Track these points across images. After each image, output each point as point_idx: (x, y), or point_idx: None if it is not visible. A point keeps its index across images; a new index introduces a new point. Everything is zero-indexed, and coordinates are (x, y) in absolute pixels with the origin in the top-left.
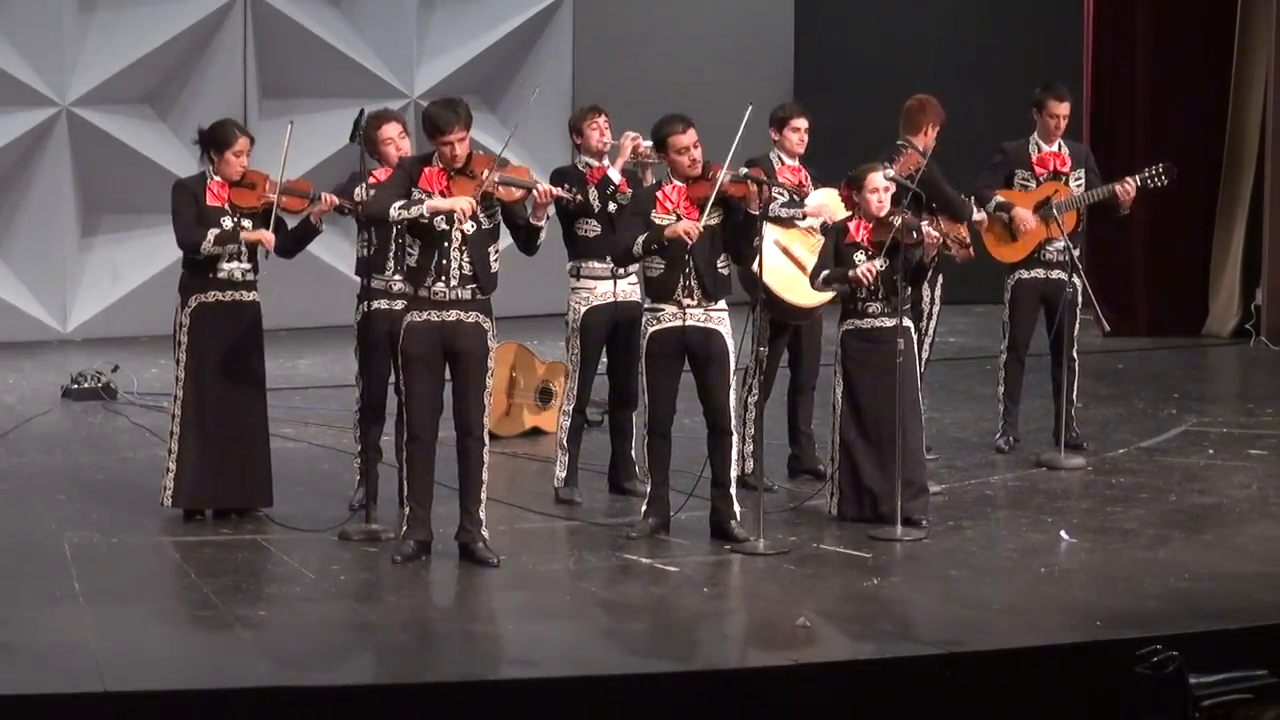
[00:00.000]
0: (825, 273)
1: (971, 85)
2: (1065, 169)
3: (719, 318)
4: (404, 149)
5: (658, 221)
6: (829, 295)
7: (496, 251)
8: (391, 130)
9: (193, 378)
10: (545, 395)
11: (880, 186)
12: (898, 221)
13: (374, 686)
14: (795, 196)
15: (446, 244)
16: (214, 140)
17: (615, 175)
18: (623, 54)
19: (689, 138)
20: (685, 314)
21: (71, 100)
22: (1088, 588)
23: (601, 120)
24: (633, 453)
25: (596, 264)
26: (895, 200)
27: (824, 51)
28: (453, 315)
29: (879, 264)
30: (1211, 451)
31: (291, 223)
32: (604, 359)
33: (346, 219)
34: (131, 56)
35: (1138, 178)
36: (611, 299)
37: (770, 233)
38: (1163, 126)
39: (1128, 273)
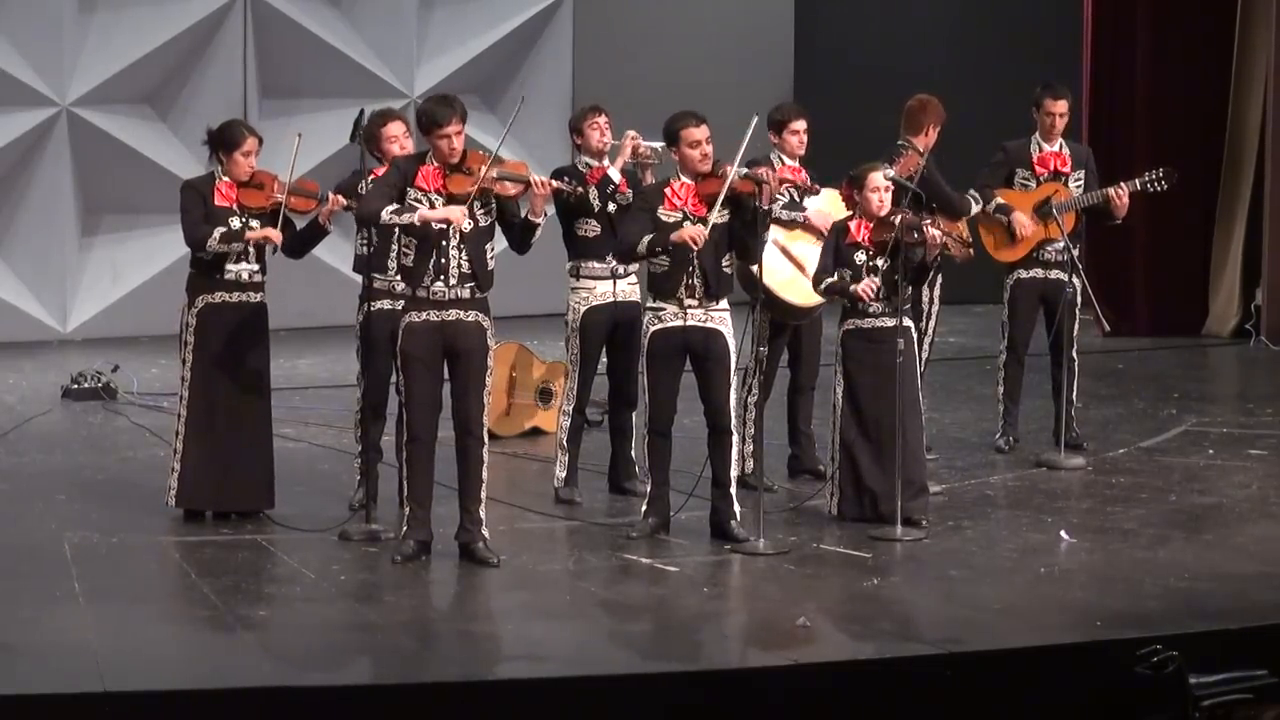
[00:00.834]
0: (829, 281)
1: (971, 85)
2: (1066, 169)
3: (720, 317)
4: (408, 148)
5: (664, 218)
6: (836, 300)
7: (493, 249)
8: (395, 129)
9: (199, 378)
10: (545, 395)
11: (881, 186)
12: (898, 221)
13: (374, 686)
14: (797, 198)
15: (444, 243)
16: (222, 141)
17: (615, 175)
18: (623, 54)
19: (702, 132)
20: (686, 313)
21: (71, 100)
22: (1088, 588)
23: (602, 120)
24: (633, 453)
25: (596, 264)
26: (895, 200)
27: (824, 51)
28: (452, 314)
29: (877, 280)
30: (1211, 451)
31: (300, 223)
32: (604, 359)
33: (348, 218)
34: (131, 56)
35: (1137, 182)
36: (611, 299)
37: (770, 233)
38: (1163, 126)
39: (1128, 273)
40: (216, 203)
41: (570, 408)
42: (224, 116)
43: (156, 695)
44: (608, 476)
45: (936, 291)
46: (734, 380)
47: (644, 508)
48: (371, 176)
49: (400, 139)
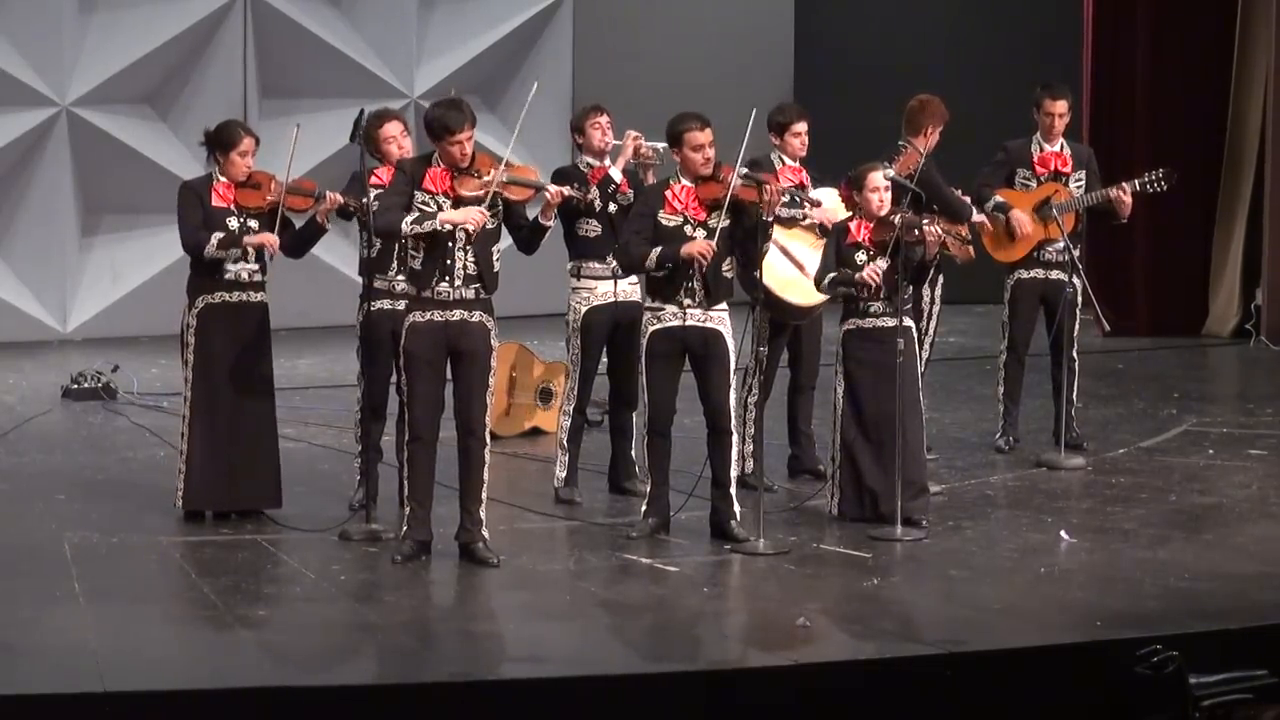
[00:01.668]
0: (831, 275)
1: (971, 85)
2: (1066, 169)
3: (719, 318)
4: (406, 148)
5: (664, 222)
6: (827, 295)
7: (499, 251)
8: (393, 129)
9: (201, 379)
10: (545, 395)
11: (881, 186)
12: (898, 220)
13: (374, 686)
14: (796, 197)
15: (451, 244)
16: (220, 141)
17: (616, 175)
18: (623, 54)
19: (705, 135)
20: (686, 314)
21: (71, 100)
22: (1088, 588)
23: (603, 120)
24: (633, 453)
25: (597, 264)
26: (895, 200)
27: (824, 51)
28: (457, 315)
29: (884, 264)
30: (1211, 451)
31: (298, 222)
32: (604, 359)
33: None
34: (131, 56)
35: (1136, 182)
36: (612, 299)
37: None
38: (1163, 126)
39: (1128, 273)
40: (214, 203)
41: (570, 408)
42: (224, 116)
43: (156, 695)
44: (608, 476)
45: (937, 291)
46: (733, 380)
47: (644, 508)
48: (372, 178)
49: (398, 139)
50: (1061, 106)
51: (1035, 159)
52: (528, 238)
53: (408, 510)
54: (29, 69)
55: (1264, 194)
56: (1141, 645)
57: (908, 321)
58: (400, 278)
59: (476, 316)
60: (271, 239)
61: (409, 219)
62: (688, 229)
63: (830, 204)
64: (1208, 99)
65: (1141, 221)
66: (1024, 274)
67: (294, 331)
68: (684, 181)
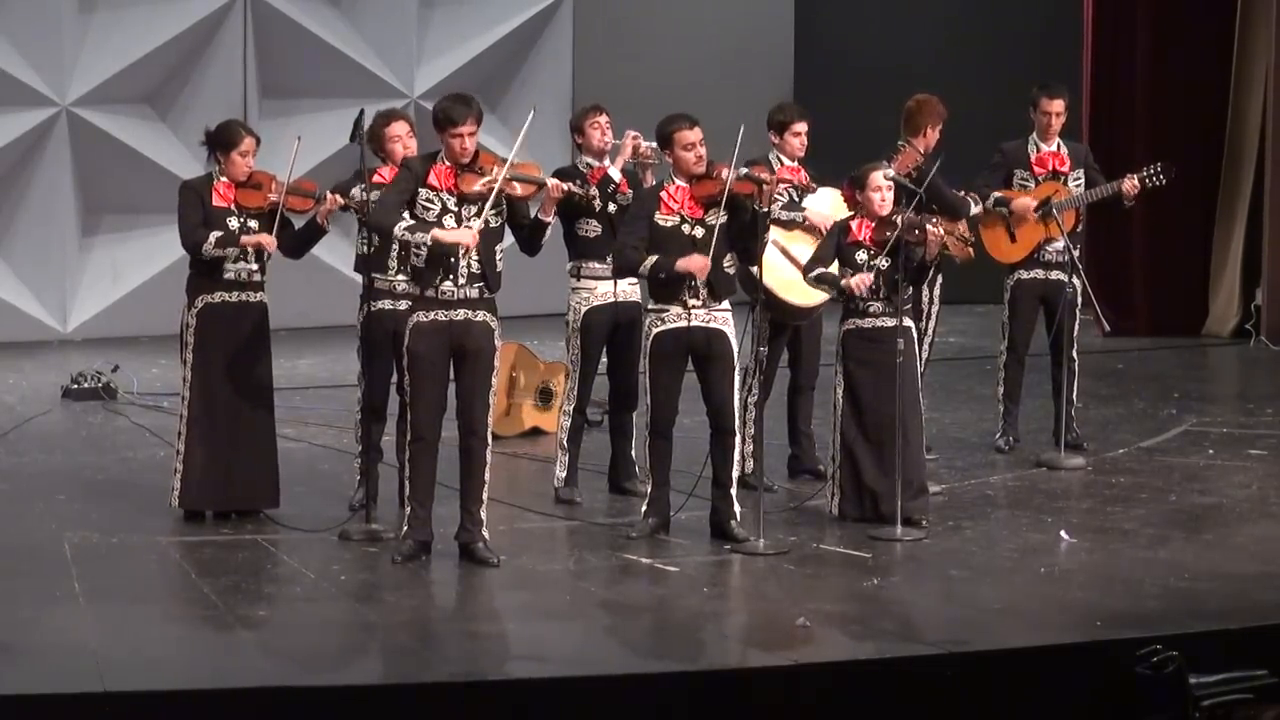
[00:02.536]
0: (819, 271)
1: (971, 85)
2: (1064, 169)
3: (723, 318)
4: (410, 147)
5: (661, 223)
6: (828, 295)
7: (502, 251)
8: (399, 129)
9: (200, 378)
10: (545, 395)
11: (882, 186)
12: (900, 220)
13: (374, 686)
14: (796, 198)
15: (466, 228)
16: (220, 141)
17: (616, 175)
18: (623, 54)
19: (695, 134)
20: (690, 314)
21: (71, 100)
22: (1088, 588)
23: (603, 119)
24: (633, 453)
25: (597, 264)
26: (895, 200)
27: (824, 51)
28: (461, 314)
29: (868, 278)
30: (1211, 451)
31: (298, 223)
32: (604, 359)
33: (348, 218)
34: (131, 56)
35: (1135, 177)
36: (612, 299)
37: (770, 233)
38: (1163, 126)
39: (1128, 273)
40: (215, 203)
41: (570, 408)
42: (224, 116)
43: (156, 695)
44: (608, 476)
45: (936, 291)
46: (736, 380)
47: (644, 508)
48: (375, 177)
49: (404, 139)
50: (1058, 106)
51: (1033, 159)
52: (529, 236)
53: (408, 510)
54: (29, 69)
55: (1264, 193)
56: (1141, 645)
57: (908, 321)
58: (400, 277)
59: (480, 316)
60: (269, 239)
61: (404, 224)
62: (685, 228)
63: (829, 204)
64: (1208, 99)
65: (1141, 221)
66: (1024, 274)
67: (294, 331)
68: (678, 182)
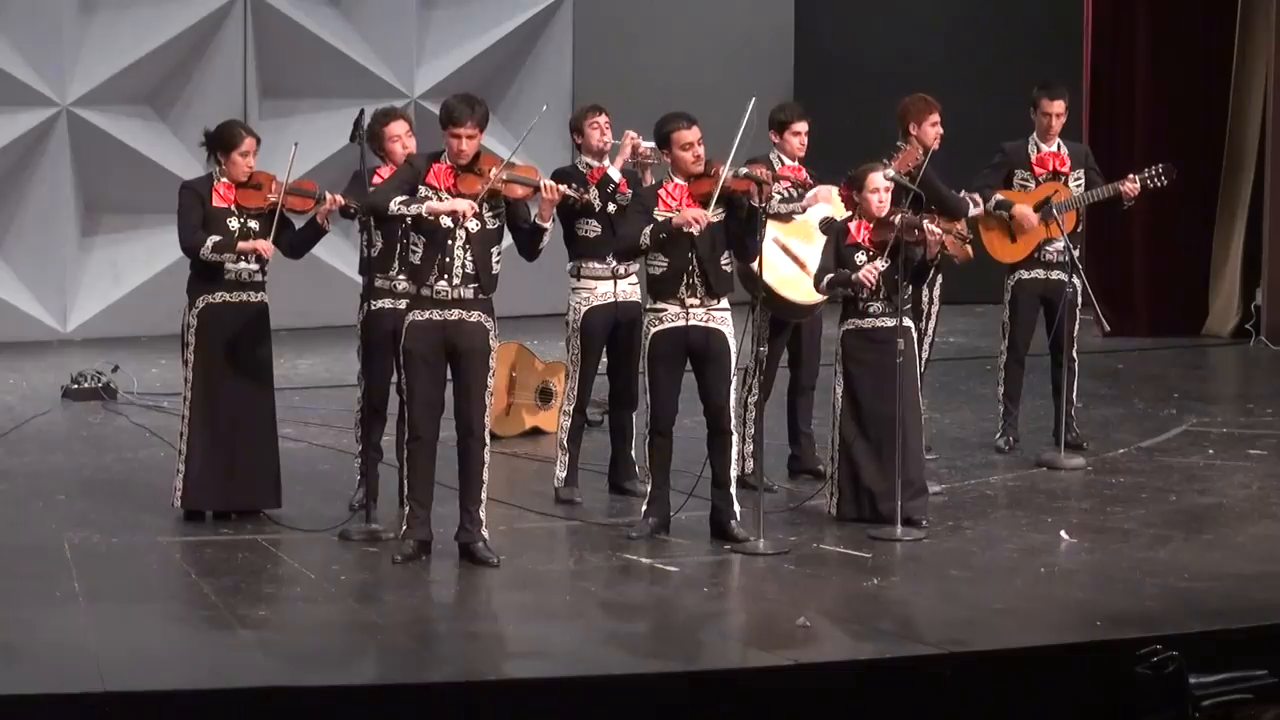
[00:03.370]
0: (829, 276)
1: (971, 85)
2: (1064, 169)
3: (721, 317)
4: (410, 147)
5: (661, 219)
6: (826, 296)
7: (499, 253)
8: (398, 128)
9: (201, 378)
10: (545, 395)
11: (880, 186)
12: (898, 221)
13: (374, 686)
14: (793, 191)
15: (450, 242)
16: (220, 141)
17: (615, 174)
18: (623, 54)
19: (693, 134)
20: (688, 313)
21: (71, 100)
22: (1088, 588)
23: (602, 119)
24: (633, 453)
25: (597, 264)
26: (894, 200)
27: (824, 51)
28: (455, 314)
29: (881, 264)
30: (1211, 451)
31: (298, 223)
32: (604, 359)
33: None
34: (131, 56)
35: (1136, 179)
36: (612, 299)
37: (770, 230)
38: (1163, 126)
39: (1128, 273)
40: (215, 204)
41: (570, 408)
42: (224, 116)
43: (156, 695)
44: (608, 476)
45: (936, 291)
46: (734, 380)
47: (644, 508)
48: (375, 178)
49: (403, 138)
50: (1059, 106)
51: (1033, 159)
52: (528, 240)
53: (408, 510)
54: (29, 69)
55: (1264, 194)
56: (1141, 645)
57: (908, 321)
58: (401, 277)
59: (475, 316)
60: (266, 246)
61: (398, 199)
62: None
63: (826, 198)
64: (1208, 99)
65: (1141, 221)
66: (1024, 274)
67: (294, 331)
68: (677, 180)
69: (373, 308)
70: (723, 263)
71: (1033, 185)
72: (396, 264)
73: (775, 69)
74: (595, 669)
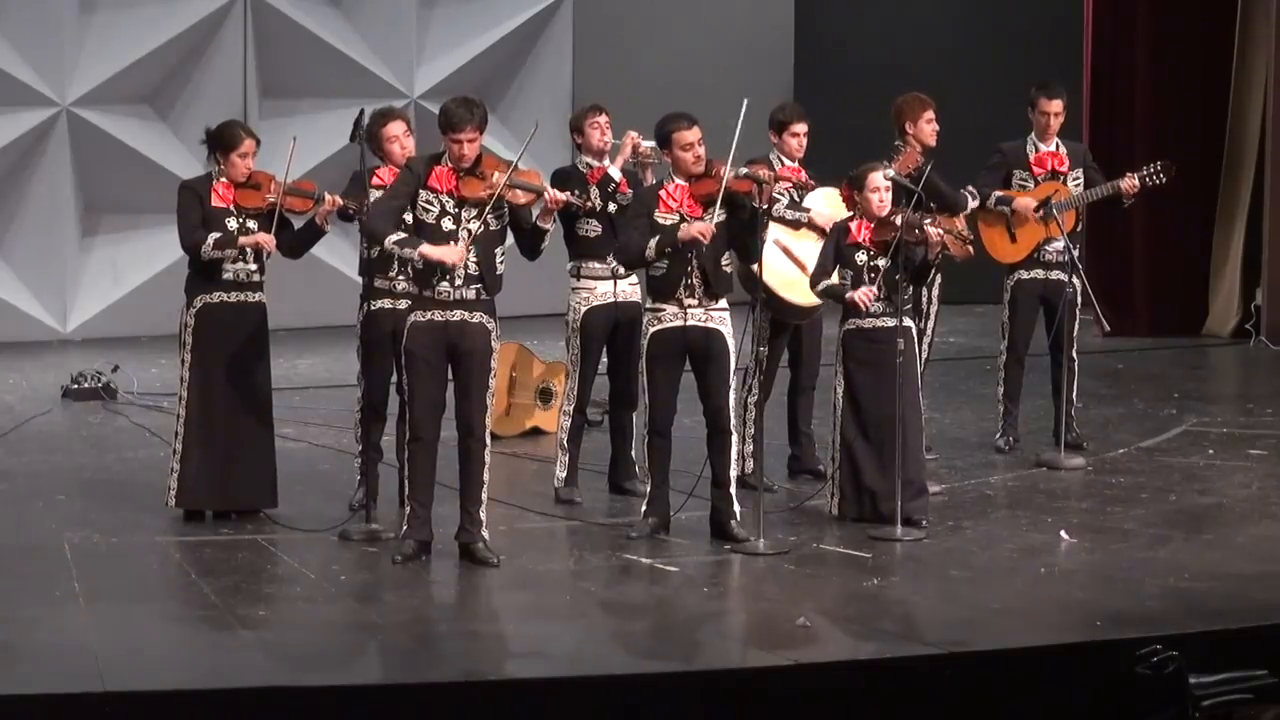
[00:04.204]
0: (825, 284)
1: (971, 85)
2: (1063, 169)
3: (720, 317)
4: (408, 147)
5: (661, 221)
6: (819, 300)
7: (503, 254)
8: (396, 128)
9: (198, 378)
10: (545, 395)
11: (881, 186)
12: (899, 221)
13: (374, 686)
14: (797, 197)
15: (454, 244)
16: (220, 142)
17: (615, 174)
18: (623, 54)
19: (693, 134)
20: (686, 313)
21: (71, 100)
22: (1088, 588)
23: (602, 119)
24: (633, 453)
25: (597, 264)
26: (895, 199)
27: (824, 51)
28: (457, 315)
29: (875, 291)
30: (1211, 451)
31: (297, 223)
32: (604, 359)
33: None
34: (131, 56)
35: (1135, 176)
36: (612, 299)
37: (771, 232)
38: (1163, 126)
39: (1128, 273)
40: (214, 203)
41: (570, 408)
42: (224, 116)
43: (156, 695)
44: (608, 476)
45: (936, 291)
46: (733, 380)
47: (644, 508)
48: (374, 179)
49: (401, 138)
50: (1057, 106)
51: (1032, 159)
52: (529, 242)
53: (408, 510)
54: (29, 69)
55: (1264, 194)
56: (1141, 645)
57: (908, 321)
58: (401, 277)
59: (477, 317)
60: (268, 238)
61: (394, 237)
62: (694, 221)
63: (829, 204)
64: (1208, 99)
65: (1141, 221)
66: (1024, 274)
67: (294, 331)
68: (678, 180)
69: (372, 308)
70: (722, 263)
71: (1031, 185)
72: (396, 265)
73: (775, 69)
74: (595, 669)
